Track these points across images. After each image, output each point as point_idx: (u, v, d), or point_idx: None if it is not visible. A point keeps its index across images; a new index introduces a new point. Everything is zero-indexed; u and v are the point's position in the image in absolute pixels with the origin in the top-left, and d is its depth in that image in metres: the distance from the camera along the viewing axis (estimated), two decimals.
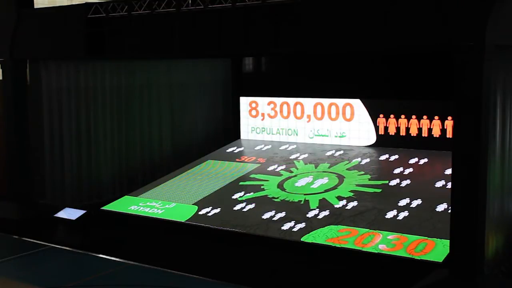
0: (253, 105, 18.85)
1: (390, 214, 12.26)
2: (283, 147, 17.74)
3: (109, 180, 15.70)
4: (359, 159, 15.79)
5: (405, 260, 10.41)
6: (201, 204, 13.97)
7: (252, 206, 13.52)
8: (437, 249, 10.44)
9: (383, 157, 15.83)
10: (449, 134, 15.11)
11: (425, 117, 15.76)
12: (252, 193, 14.23)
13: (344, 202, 13.12)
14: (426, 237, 11.03)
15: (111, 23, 13.04)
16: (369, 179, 14.23)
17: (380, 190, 13.54)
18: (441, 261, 10.10)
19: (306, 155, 16.70)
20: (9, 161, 15.03)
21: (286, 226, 12.26)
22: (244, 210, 13.39)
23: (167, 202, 14.40)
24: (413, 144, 15.94)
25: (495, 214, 9.51)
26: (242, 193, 14.31)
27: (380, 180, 14.08)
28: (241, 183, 15.07)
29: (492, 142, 9.24)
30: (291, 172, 15.54)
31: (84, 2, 13.65)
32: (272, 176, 15.38)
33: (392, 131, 16.40)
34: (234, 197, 14.16)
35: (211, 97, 18.53)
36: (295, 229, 12.08)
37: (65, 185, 15.00)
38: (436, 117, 15.49)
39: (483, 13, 8.67)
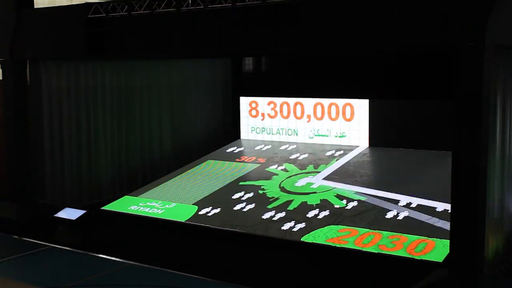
0: (253, 105, 18.85)
1: (390, 214, 12.27)
2: (283, 147, 17.74)
3: (109, 180, 15.70)
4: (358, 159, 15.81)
5: (405, 260, 10.41)
6: (201, 204, 13.97)
7: (252, 206, 13.53)
8: (437, 249, 10.44)
9: (382, 157, 15.84)
10: (449, 134, 15.08)
11: (425, 117, 15.76)
12: (252, 193, 14.27)
13: (344, 201, 13.13)
14: (426, 237, 11.03)
15: (111, 23, 13.04)
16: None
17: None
18: (441, 261, 10.11)
19: (306, 155, 16.70)
20: (9, 161, 15.03)
21: (286, 226, 12.26)
22: (244, 210, 13.39)
23: (167, 202, 14.40)
24: (413, 144, 15.94)
25: (495, 214, 9.52)
26: (243, 193, 14.35)
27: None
28: (241, 183, 15.13)
29: (492, 142, 9.24)
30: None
31: (84, 2, 13.64)
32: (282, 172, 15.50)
33: (391, 131, 16.40)
34: (234, 197, 14.17)
35: (211, 97, 18.53)
36: (295, 229, 12.08)
37: (65, 185, 15.00)
38: (436, 117, 15.48)
39: (483, 13, 8.67)
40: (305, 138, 17.92)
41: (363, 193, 13.49)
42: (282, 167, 15.95)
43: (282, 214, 12.84)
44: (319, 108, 17.58)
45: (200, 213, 13.49)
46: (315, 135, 17.75)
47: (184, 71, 17.45)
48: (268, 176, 15.41)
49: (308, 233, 11.82)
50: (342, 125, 17.20)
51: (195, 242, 12.27)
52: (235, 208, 13.50)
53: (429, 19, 9.31)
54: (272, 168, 15.97)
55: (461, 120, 9.10)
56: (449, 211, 9.57)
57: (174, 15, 12.06)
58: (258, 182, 15.01)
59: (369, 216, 12.28)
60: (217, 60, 18.49)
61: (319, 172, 15.18)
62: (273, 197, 13.89)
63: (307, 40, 10.77)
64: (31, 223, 13.84)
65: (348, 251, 10.99)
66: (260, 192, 14.28)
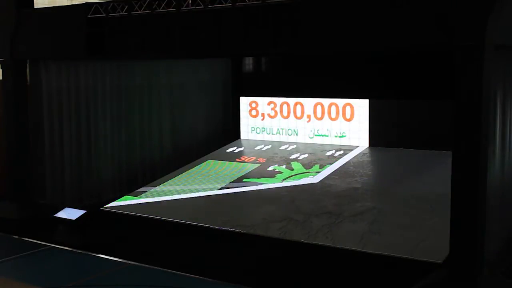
0: (253, 105, 18.86)
1: (390, 214, 12.26)
2: (283, 147, 17.75)
3: (109, 180, 15.70)
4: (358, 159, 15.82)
5: (405, 260, 10.41)
6: (202, 203, 13.97)
7: (252, 206, 13.53)
8: (437, 249, 10.44)
9: (382, 157, 15.84)
10: (449, 134, 15.09)
11: (425, 117, 15.76)
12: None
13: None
14: (426, 237, 11.03)
15: (111, 23, 13.03)
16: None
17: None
18: (441, 261, 10.10)
19: (306, 155, 16.71)
20: (9, 161, 15.02)
21: (286, 226, 12.25)
22: (244, 210, 13.39)
23: (167, 202, 14.39)
24: (413, 144, 15.95)
25: (495, 215, 9.51)
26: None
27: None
28: (244, 180, 15.19)
29: (492, 142, 9.24)
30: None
31: (84, 2, 13.64)
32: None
33: (391, 131, 16.41)
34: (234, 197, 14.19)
35: (211, 97, 18.53)
36: (295, 229, 12.07)
37: (65, 185, 14.99)
38: (436, 117, 15.48)
39: (483, 13, 8.66)
40: (305, 138, 17.93)
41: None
42: (288, 165, 15.97)
43: (282, 214, 12.84)
44: (319, 108, 17.59)
45: (202, 212, 13.48)
46: (315, 135, 17.76)
47: (184, 71, 17.46)
48: (272, 174, 15.44)
49: (308, 232, 11.82)
50: (342, 125, 17.21)
51: (195, 242, 12.26)
52: (235, 208, 13.49)
53: (429, 19, 9.31)
54: (276, 165, 16.01)
55: (461, 120, 9.09)
56: (449, 211, 9.58)
57: (174, 15, 12.05)
58: (260, 180, 15.02)
59: (369, 216, 12.27)
60: (217, 60, 18.49)
61: (320, 172, 15.19)
62: None
63: (307, 40, 10.77)
64: (31, 223, 13.84)
65: (348, 251, 10.99)
66: None
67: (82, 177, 15.20)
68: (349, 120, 17.08)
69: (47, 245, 12.42)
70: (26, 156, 14.78)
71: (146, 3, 12.30)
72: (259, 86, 18.72)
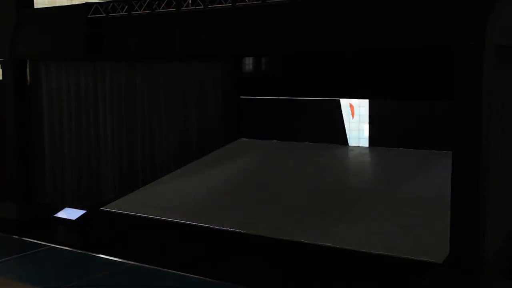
0: (255, 104, 18.85)
1: (390, 214, 12.26)
2: (283, 147, 17.76)
3: (109, 180, 15.70)
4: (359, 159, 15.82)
5: (405, 260, 10.41)
6: (202, 203, 13.97)
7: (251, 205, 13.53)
8: (437, 249, 10.44)
9: (382, 157, 15.83)
10: (449, 134, 15.07)
11: (424, 117, 15.77)
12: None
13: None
14: (426, 237, 11.03)
15: (111, 23, 13.03)
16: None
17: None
18: (441, 261, 10.10)
19: (306, 155, 16.72)
20: (9, 161, 15.02)
21: (285, 226, 12.25)
22: (244, 210, 13.39)
23: (168, 202, 14.39)
24: (413, 144, 15.95)
25: (495, 214, 9.51)
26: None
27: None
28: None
29: (492, 142, 9.23)
30: None
31: (84, 2, 13.64)
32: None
33: (391, 131, 16.41)
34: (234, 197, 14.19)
35: (211, 97, 18.54)
36: (295, 229, 12.07)
37: (65, 185, 15.00)
38: (436, 117, 15.49)
39: (483, 13, 8.66)
40: None
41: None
42: None
43: (282, 214, 12.84)
44: None
45: (201, 212, 13.49)
46: None
47: (184, 71, 17.46)
48: None
49: (308, 232, 11.83)
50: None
51: (195, 242, 12.27)
52: (235, 208, 13.49)
53: (429, 19, 9.31)
54: None
55: (461, 120, 9.09)
56: (449, 211, 9.58)
57: (174, 15, 12.05)
58: None
59: (369, 216, 12.27)
60: (217, 60, 18.49)
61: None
62: None
63: (307, 40, 10.76)
64: (31, 223, 13.85)
65: (348, 251, 10.99)
66: None
67: (82, 177, 15.21)
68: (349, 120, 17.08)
69: (47, 245, 12.42)
70: (26, 156, 14.78)
71: (146, 3, 12.30)
72: (259, 86, 18.72)
